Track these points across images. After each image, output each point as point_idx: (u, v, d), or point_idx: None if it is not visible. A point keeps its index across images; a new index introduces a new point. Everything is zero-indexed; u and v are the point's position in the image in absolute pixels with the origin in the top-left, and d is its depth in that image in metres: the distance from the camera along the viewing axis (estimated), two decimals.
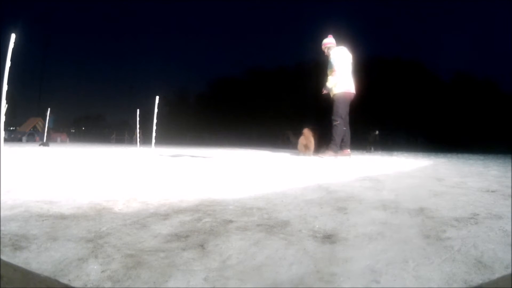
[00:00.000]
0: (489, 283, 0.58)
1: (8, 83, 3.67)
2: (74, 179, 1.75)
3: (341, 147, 4.34)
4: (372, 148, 7.51)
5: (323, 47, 4.68)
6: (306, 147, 4.64)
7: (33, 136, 18.63)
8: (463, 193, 1.49)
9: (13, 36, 3.74)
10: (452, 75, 29.69)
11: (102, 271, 0.61)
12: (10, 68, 3.71)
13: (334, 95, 4.39)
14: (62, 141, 19.14)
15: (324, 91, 4.55)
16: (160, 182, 1.69)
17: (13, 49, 3.74)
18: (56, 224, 0.89)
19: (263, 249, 0.74)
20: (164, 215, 1.01)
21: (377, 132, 6.43)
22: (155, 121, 6.50)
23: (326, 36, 4.71)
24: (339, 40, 4.74)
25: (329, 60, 4.50)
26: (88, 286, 0.57)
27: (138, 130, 8.28)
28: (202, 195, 1.35)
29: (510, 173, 2.52)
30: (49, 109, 10.29)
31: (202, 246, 0.75)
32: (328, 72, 4.52)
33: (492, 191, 1.57)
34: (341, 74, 4.36)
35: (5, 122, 3.67)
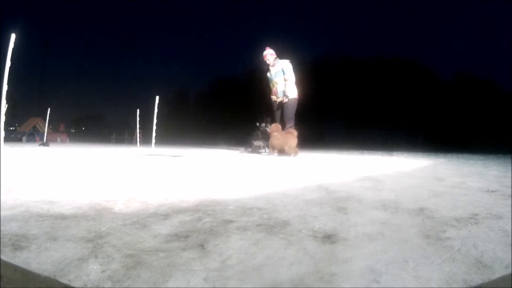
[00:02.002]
0: (489, 283, 0.58)
1: (8, 83, 3.67)
2: (74, 179, 1.75)
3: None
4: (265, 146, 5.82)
5: (268, 56, 5.03)
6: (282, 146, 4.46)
7: (33, 136, 18.65)
8: (463, 193, 1.49)
9: (13, 36, 3.75)
10: (452, 75, 29.72)
11: (102, 271, 0.61)
12: (10, 68, 3.72)
13: (289, 99, 4.82)
14: (62, 141, 19.15)
15: (285, 100, 4.85)
16: (160, 182, 1.69)
17: (13, 49, 3.74)
18: (56, 224, 0.89)
19: (263, 249, 0.74)
20: (164, 215, 1.01)
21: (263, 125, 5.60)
22: (155, 121, 6.50)
23: (264, 48, 5.09)
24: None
25: (283, 69, 4.94)
26: (88, 286, 0.57)
27: (138, 130, 8.28)
28: (202, 195, 1.35)
29: (510, 173, 2.52)
30: (49, 109, 10.30)
31: (202, 246, 0.75)
32: (279, 79, 4.95)
33: (492, 191, 1.57)
34: (294, 83, 4.92)
35: (5, 122, 3.67)
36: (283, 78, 4.89)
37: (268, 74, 5.13)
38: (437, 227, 0.91)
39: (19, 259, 0.65)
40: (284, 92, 4.85)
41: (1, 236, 0.76)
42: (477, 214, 1.07)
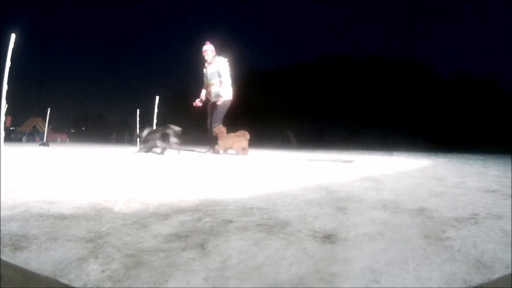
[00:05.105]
0: (489, 283, 0.58)
1: (8, 83, 3.67)
2: (74, 179, 1.75)
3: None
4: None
5: (208, 52, 4.83)
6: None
7: (33, 136, 18.66)
8: (463, 193, 1.49)
9: (13, 36, 3.75)
10: (452, 75, 29.71)
11: (102, 271, 0.61)
12: (10, 68, 3.72)
13: (223, 101, 4.74)
14: (62, 141, 19.16)
15: (219, 101, 4.75)
16: (160, 182, 1.69)
17: (13, 49, 3.74)
18: (56, 224, 0.89)
19: (263, 249, 0.74)
20: (164, 215, 1.01)
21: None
22: (155, 121, 6.50)
23: (204, 43, 4.89)
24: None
25: (219, 70, 4.80)
26: (88, 286, 0.57)
27: (138, 130, 8.28)
28: (202, 195, 1.35)
29: (510, 173, 2.52)
30: (49, 109, 10.30)
31: (202, 246, 0.75)
32: (215, 81, 4.82)
33: (492, 191, 1.57)
34: (229, 84, 4.84)
35: (5, 122, 3.67)
36: (219, 80, 4.76)
37: (204, 70, 4.94)
38: (437, 227, 0.91)
39: (19, 259, 0.65)
40: (218, 93, 4.74)
41: (1, 236, 0.76)
42: (477, 214, 1.07)
